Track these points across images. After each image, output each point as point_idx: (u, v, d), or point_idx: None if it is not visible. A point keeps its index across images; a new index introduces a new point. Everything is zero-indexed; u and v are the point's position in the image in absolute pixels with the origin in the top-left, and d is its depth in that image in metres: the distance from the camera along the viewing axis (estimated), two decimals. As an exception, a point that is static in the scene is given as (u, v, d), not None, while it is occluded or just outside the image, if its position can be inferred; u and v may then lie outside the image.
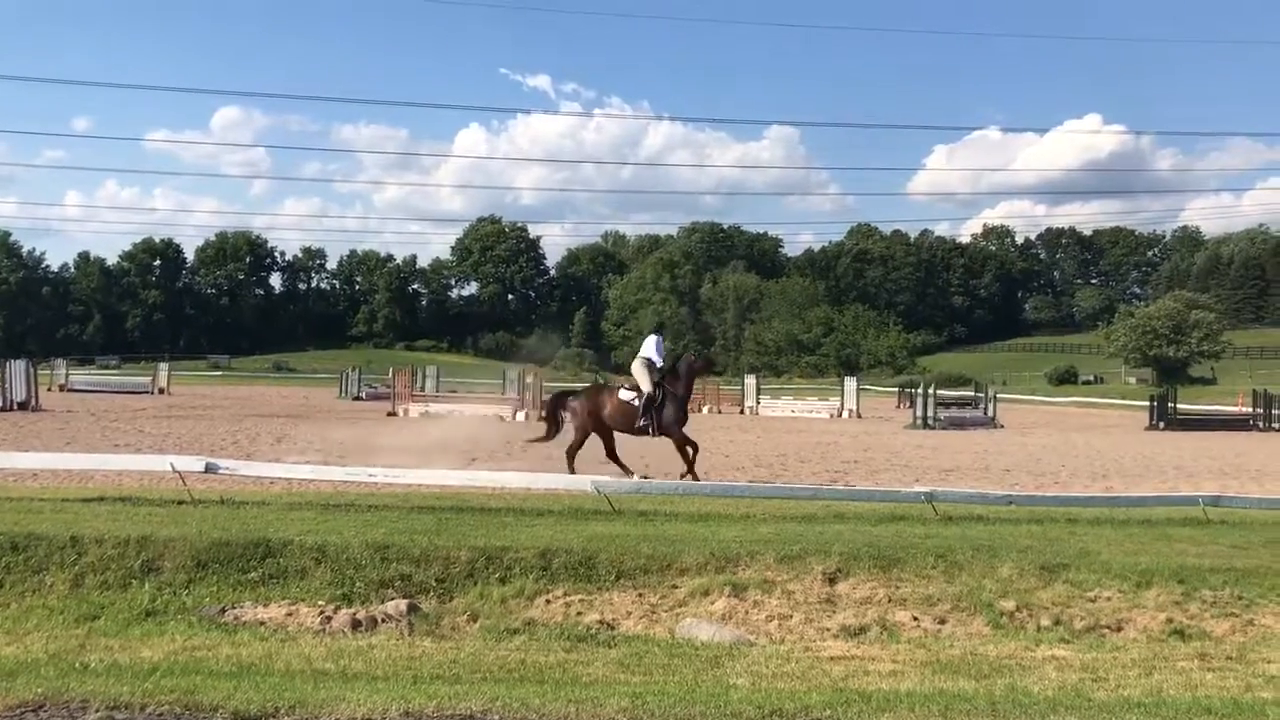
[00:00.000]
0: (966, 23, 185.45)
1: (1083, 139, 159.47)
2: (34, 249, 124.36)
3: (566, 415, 14.78)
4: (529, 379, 33.77)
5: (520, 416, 30.58)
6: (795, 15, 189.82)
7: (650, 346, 14.83)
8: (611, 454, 14.46)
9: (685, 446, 14.27)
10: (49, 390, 37.80)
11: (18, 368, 29.57)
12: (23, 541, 8.67)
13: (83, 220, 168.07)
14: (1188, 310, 78.36)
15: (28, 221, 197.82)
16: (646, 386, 14.28)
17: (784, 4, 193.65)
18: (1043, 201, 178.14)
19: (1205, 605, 8.13)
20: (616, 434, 14.50)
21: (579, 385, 19.51)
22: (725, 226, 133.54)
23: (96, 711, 4.30)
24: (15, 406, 28.30)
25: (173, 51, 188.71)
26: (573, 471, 13.60)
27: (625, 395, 14.42)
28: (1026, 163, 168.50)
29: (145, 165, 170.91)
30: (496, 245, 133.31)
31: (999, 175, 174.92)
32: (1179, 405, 38.08)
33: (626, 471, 13.89)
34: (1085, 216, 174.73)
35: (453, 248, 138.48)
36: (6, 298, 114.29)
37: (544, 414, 14.31)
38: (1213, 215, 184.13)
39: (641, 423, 14.25)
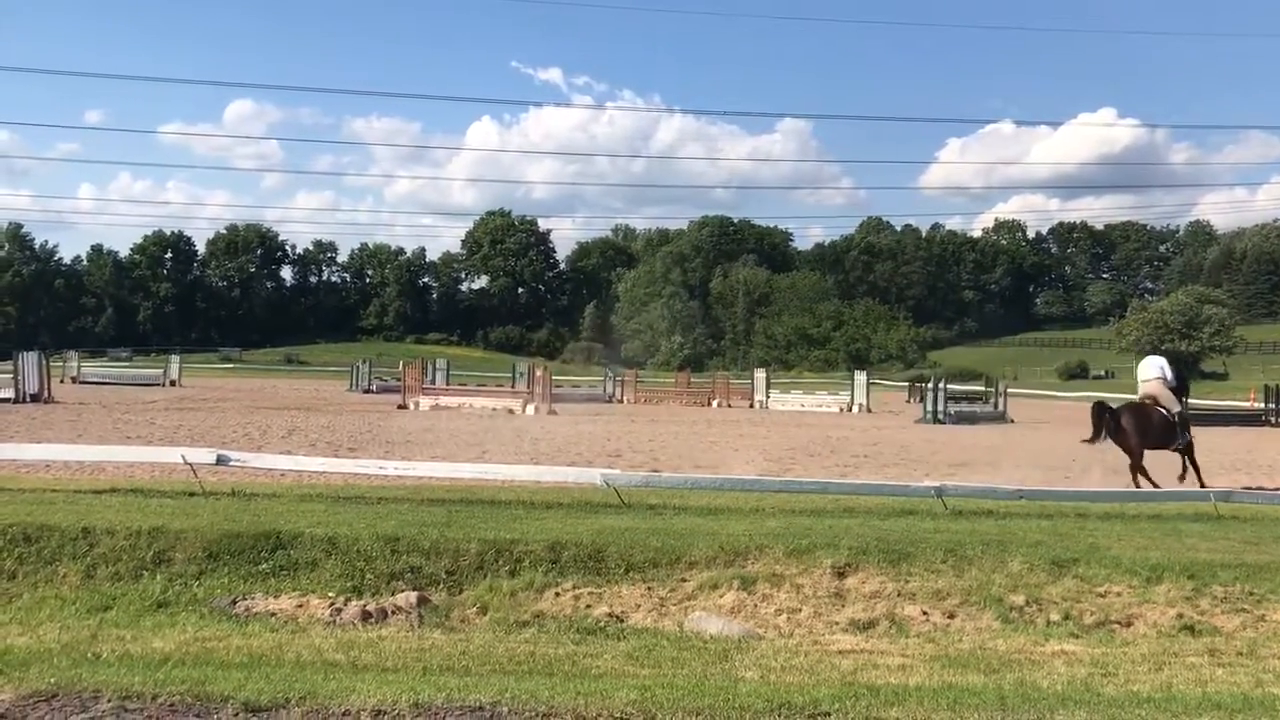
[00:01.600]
0: (980, 15, 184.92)
1: (1097, 132, 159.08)
2: (46, 241, 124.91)
3: (1111, 427, 15.11)
4: (538, 373, 33.78)
5: (530, 410, 30.60)
6: (808, 8, 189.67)
7: (1159, 368, 15.57)
8: (1140, 467, 14.73)
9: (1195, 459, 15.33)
10: (61, 382, 37.95)
11: (30, 360, 29.70)
12: (35, 532, 8.72)
13: (95, 213, 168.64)
14: (1200, 305, 78.04)
15: (41, 214, 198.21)
16: (1176, 407, 15.25)
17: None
18: (1056, 195, 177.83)
19: (1216, 601, 8.11)
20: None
21: (1118, 399, 19.72)
22: (735, 220, 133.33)
23: (108, 701, 4.33)
24: (28, 398, 28.43)
25: (186, 44, 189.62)
26: (1146, 485, 14.14)
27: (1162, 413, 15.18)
28: (1040, 156, 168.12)
29: (158, 158, 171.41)
30: (506, 239, 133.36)
31: (1012, 169, 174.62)
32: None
33: (1151, 483, 14.19)
34: (1098, 211, 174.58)
35: (463, 241, 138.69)
36: (19, 290, 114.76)
37: (1092, 418, 15.24)
38: (1227, 210, 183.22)
39: (1179, 442, 15.13)
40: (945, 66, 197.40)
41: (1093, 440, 15.15)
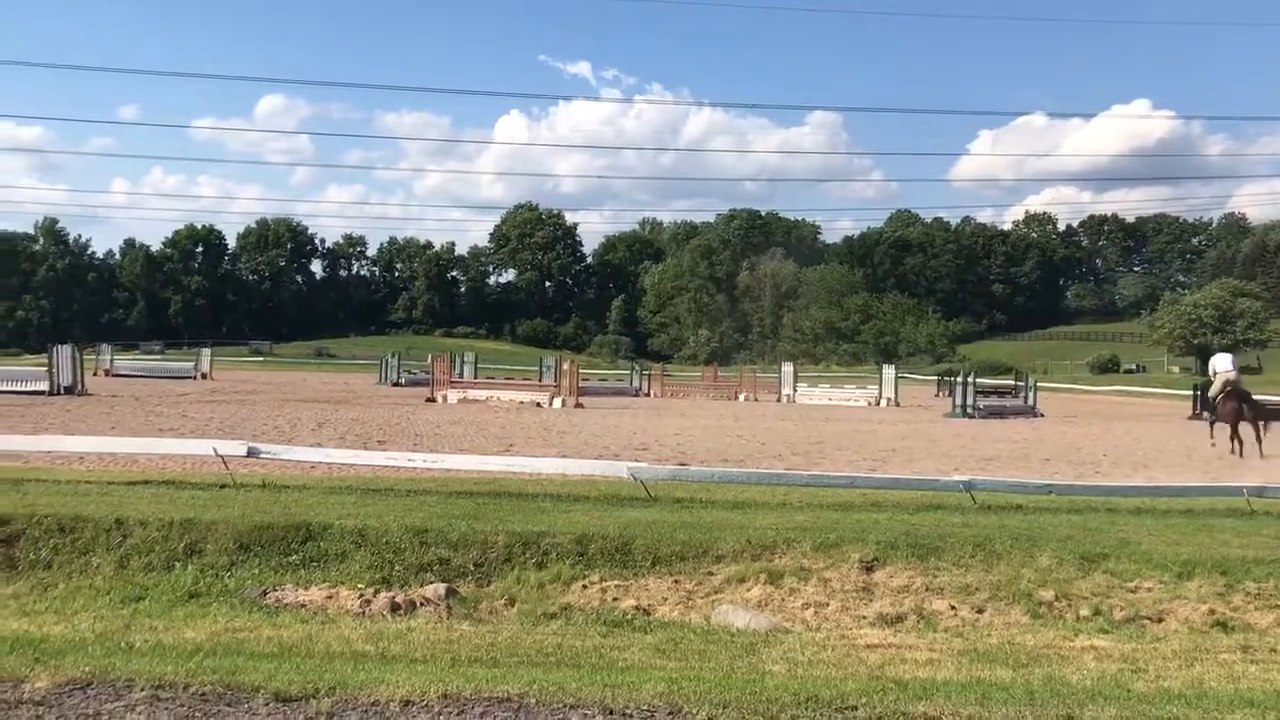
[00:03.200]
0: (1013, 6, 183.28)
1: (1130, 124, 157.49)
2: (80, 236, 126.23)
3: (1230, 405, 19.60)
4: (565, 366, 33.85)
5: (557, 403, 30.67)
6: (837, 0, 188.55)
7: (1231, 360, 20.71)
8: (1237, 435, 19.24)
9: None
10: (94, 375, 38.34)
11: (64, 353, 30.02)
12: (70, 524, 8.83)
13: (129, 207, 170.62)
14: (1233, 298, 77.13)
15: (76, 209, 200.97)
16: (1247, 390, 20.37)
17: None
18: (1088, 188, 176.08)
19: (1249, 597, 8.03)
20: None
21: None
22: (763, 213, 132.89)
23: (142, 690, 4.38)
24: (62, 391, 28.75)
25: (218, 40, 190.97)
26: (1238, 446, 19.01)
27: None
28: (1072, 148, 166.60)
29: (190, 153, 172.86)
30: (534, 232, 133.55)
31: (1045, 161, 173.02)
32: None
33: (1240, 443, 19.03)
34: (1132, 203, 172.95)
35: (491, 235, 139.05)
36: (53, 284, 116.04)
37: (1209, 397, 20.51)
38: (1263, 201, 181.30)
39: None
40: (977, 58, 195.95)
41: (1197, 415, 22.15)
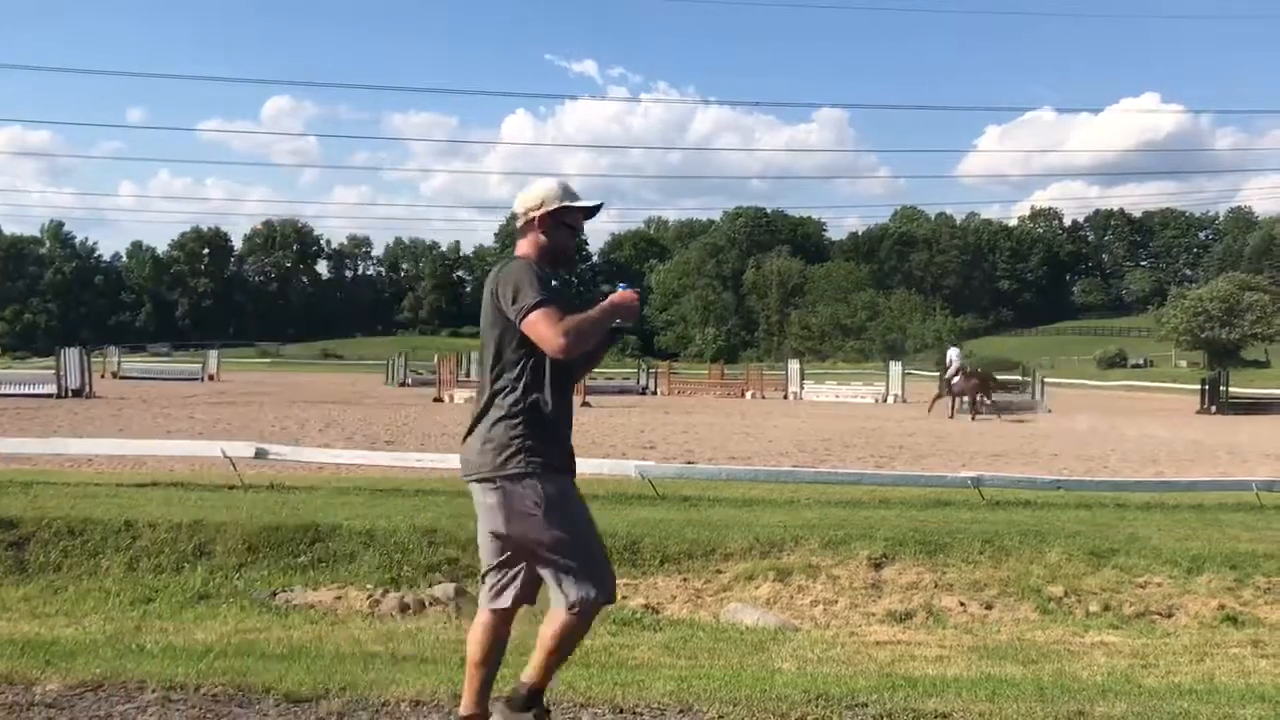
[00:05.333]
0: (1021, 1, 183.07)
1: (1139, 119, 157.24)
2: (87, 239, 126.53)
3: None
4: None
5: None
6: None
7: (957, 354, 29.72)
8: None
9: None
10: (102, 377, 38.43)
11: (72, 355, 30.09)
12: (79, 526, 8.86)
13: (136, 210, 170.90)
14: (1241, 292, 76.88)
15: (84, 212, 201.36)
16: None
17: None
18: (1096, 183, 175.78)
19: (1259, 592, 8.02)
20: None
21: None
22: (769, 211, 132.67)
23: (153, 692, 4.39)
24: (70, 393, 28.80)
25: (225, 43, 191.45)
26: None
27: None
28: (1080, 143, 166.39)
29: (197, 155, 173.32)
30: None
31: (1052, 156, 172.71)
32: (1231, 389, 37.42)
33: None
34: (1140, 198, 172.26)
35: (496, 234, 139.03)
36: (61, 287, 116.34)
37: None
38: (1272, 195, 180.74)
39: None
40: (985, 53, 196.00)
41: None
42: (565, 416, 3.46)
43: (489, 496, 3.38)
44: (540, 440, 3.33)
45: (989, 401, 28.40)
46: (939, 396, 29.79)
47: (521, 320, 3.22)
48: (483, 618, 3.55)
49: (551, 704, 3.93)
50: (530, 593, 3.53)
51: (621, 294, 3.40)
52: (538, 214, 3.47)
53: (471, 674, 3.54)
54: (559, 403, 3.39)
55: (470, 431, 3.43)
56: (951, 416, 27.43)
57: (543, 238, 3.47)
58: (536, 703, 3.49)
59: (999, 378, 32.59)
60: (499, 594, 3.51)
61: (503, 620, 3.56)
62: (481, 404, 3.41)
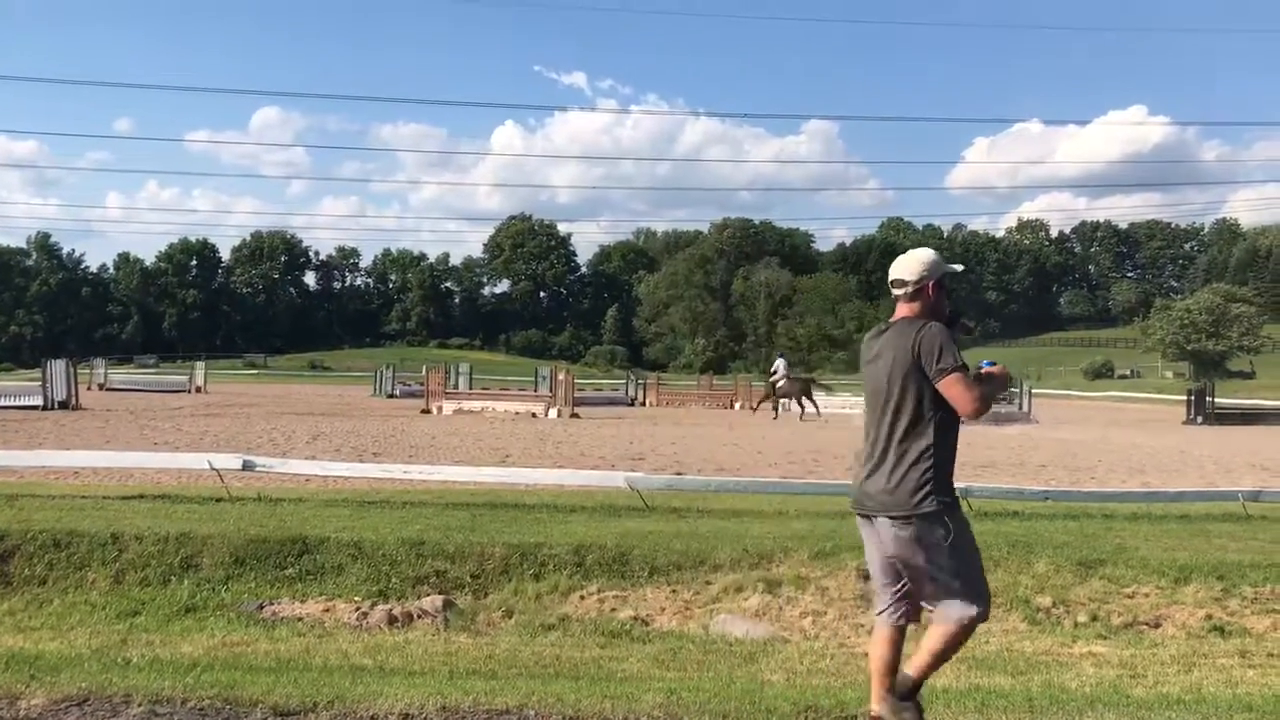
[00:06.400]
0: (1008, 14, 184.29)
1: (1126, 130, 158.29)
2: (73, 250, 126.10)
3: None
4: (560, 376, 33.83)
5: (552, 413, 30.66)
6: (833, 9, 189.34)
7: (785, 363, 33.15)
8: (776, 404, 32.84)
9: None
10: (88, 389, 38.26)
11: (58, 367, 29.92)
12: (65, 539, 8.80)
13: (123, 221, 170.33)
14: (1227, 304, 77.31)
15: (71, 223, 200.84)
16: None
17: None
18: (1083, 195, 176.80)
19: (1245, 602, 8.04)
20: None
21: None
22: (756, 222, 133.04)
23: (139, 706, 4.36)
24: (56, 405, 28.65)
25: (213, 53, 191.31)
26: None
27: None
28: (1068, 155, 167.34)
29: (185, 166, 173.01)
30: (527, 243, 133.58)
31: (1040, 168, 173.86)
32: (1217, 399, 37.61)
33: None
34: (1127, 209, 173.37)
35: (484, 245, 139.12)
36: (47, 299, 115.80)
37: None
38: (1258, 206, 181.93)
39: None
40: (974, 66, 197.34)
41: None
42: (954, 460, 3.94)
43: (903, 530, 3.79)
44: (944, 480, 3.81)
45: (811, 404, 32.74)
46: (765, 398, 34.05)
47: (940, 380, 3.72)
48: (885, 632, 4.03)
49: (539, 716, 3.92)
50: (920, 612, 4.02)
51: (999, 369, 3.96)
52: (930, 281, 3.93)
53: (879, 680, 4.01)
54: (955, 449, 3.89)
55: (873, 472, 3.88)
56: (775, 417, 31.80)
57: (932, 302, 3.94)
58: (916, 693, 3.99)
59: (822, 383, 39.15)
60: (898, 613, 3.99)
61: (900, 634, 4.03)
62: (881, 447, 3.86)
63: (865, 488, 3.92)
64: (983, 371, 3.91)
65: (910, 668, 3.95)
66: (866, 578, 8.40)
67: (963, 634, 3.89)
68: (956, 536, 3.79)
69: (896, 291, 4.00)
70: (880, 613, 4.06)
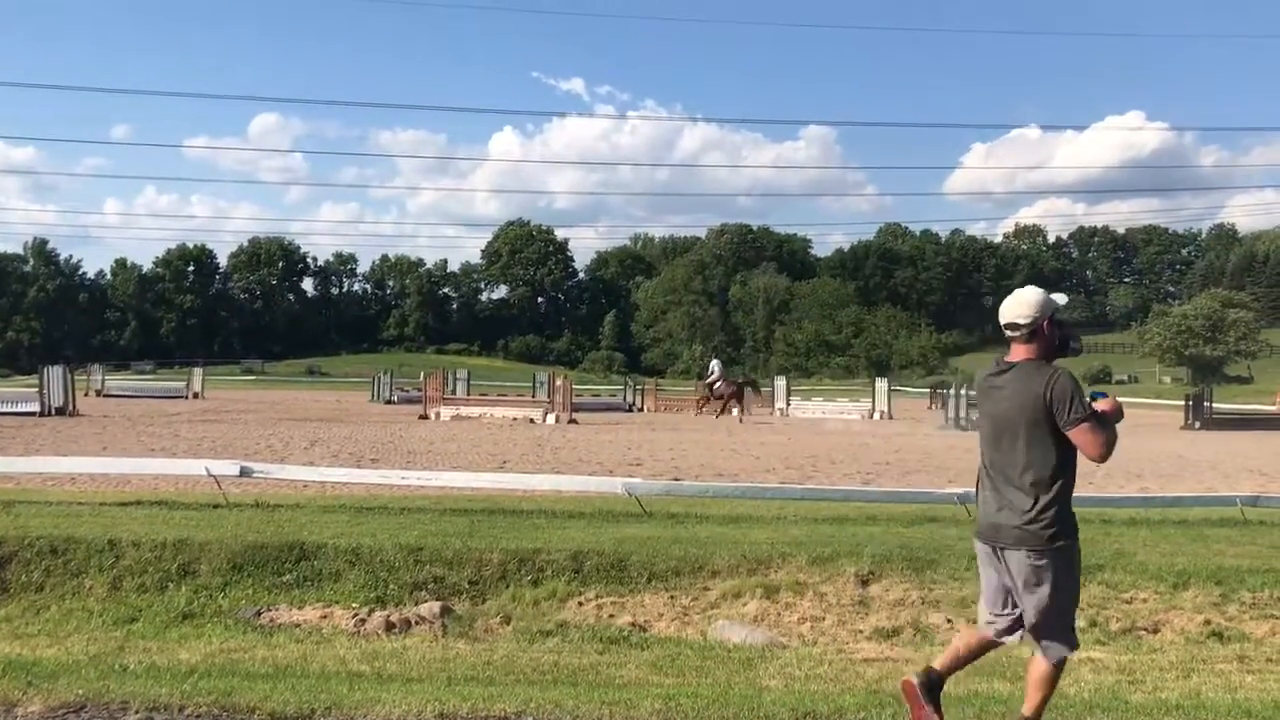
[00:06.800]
0: (1006, 20, 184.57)
1: (1124, 136, 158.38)
2: (70, 256, 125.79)
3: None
4: (558, 382, 33.83)
5: (550, 419, 30.65)
6: (830, 15, 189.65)
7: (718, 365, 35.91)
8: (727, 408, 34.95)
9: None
10: (86, 395, 38.21)
11: (55, 373, 29.90)
12: (62, 545, 8.78)
13: (121, 227, 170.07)
14: (1224, 309, 77.39)
15: (68, 230, 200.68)
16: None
17: (818, 5, 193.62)
18: (1081, 200, 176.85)
19: (1244, 607, 8.03)
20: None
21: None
22: (754, 228, 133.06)
23: (136, 713, 4.36)
24: (53, 412, 28.63)
25: (212, 59, 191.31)
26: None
27: None
28: (1065, 160, 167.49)
29: (184, 172, 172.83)
30: (525, 248, 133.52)
31: (1038, 174, 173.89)
32: (1215, 404, 37.63)
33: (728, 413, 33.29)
34: (1125, 214, 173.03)
35: (482, 251, 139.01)
36: (44, 305, 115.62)
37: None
38: (1256, 212, 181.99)
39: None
40: (970, 72, 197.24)
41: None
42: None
43: (1035, 561, 4.01)
44: (1071, 517, 4.07)
45: (745, 407, 35.91)
46: (704, 400, 37.09)
47: (1071, 428, 3.95)
48: (978, 637, 4.34)
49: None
50: (1017, 633, 4.25)
51: (1110, 403, 4.12)
52: (1044, 321, 4.16)
53: (947, 659, 4.36)
54: (1074, 485, 4.12)
55: (1003, 506, 4.09)
56: (717, 417, 34.10)
57: (1048, 338, 4.17)
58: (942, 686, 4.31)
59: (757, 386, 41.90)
60: (999, 631, 4.25)
61: (990, 646, 4.34)
62: (1009, 483, 4.08)
63: (996, 520, 4.13)
64: (1097, 407, 4.04)
65: (1025, 707, 4.24)
66: (865, 583, 8.42)
67: (1058, 673, 4.20)
68: (1077, 571, 4.14)
69: (1011, 334, 4.21)
70: (982, 624, 4.34)
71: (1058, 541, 3.99)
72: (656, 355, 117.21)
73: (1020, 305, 4.18)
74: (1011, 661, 6.65)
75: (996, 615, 4.23)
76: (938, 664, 4.32)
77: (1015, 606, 4.15)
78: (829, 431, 29.39)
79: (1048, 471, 4.00)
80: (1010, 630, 4.21)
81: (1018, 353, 4.20)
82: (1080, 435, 3.95)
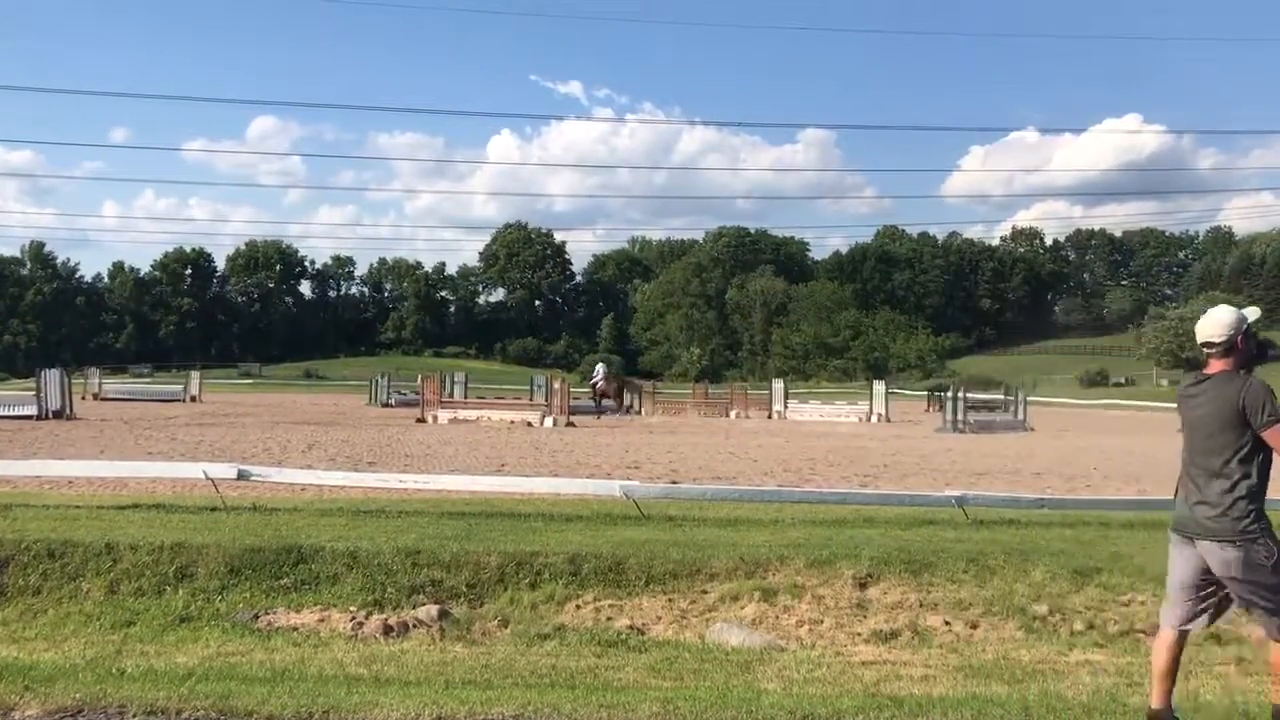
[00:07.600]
0: (1004, 23, 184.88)
1: (1121, 139, 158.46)
2: (68, 259, 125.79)
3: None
4: (556, 385, 33.82)
5: (548, 422, 30.65)
6: (829, 19, 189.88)
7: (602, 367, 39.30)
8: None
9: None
10: (83, 399, 38.19)
11: (52, 377, 29.90)
12: (59, 548, 8.77)
13: (119, 230, 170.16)
14: (1221, 312, 77.37)
15: (66, 233, 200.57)
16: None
17: (817, 7, 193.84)
18: (1079, 203, 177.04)
19: (1242, 610, 8.02)
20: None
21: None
22: (752, 231, 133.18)
23: (134, 716, 4.35)
24: (50, 415, 28.62)
25: (209, 62, 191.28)
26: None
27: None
28: (1063, 163, 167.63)
29: (182, 175, 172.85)
30: (523, 251, 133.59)
31: (1036, 176, 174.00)
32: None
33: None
34: (1122, 217, 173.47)
35: (480, 254, 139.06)
36: (41, 308, 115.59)
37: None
38: (1253, 214, 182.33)
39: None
40: (969, 74, 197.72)
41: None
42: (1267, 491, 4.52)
43: (1228, 552, 4.42)
44: (1263, 510, 4.45)
45: (624, 402, 39.64)
46: (601, 397, 39.64)
47: (1266, 430, 4.33)
48: (1169, 637, 4.70)
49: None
50: (1211, 617, 4.68)
51: None
52: (1239, 336, 4.50)
53: (1160, 681, 4.68)
54: (1268, 481, 4.48)
55: (1200, 501, 4.51)
56: (599, 417, 36.36)
57: (1243, 351, 4.51)
58: None
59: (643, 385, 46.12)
60: (1191, 620, 4.65)
61: (1183, 640, 4.70)
62: (1206, 480, 4.50)
63: (1194, 514, 4.54)
64: None
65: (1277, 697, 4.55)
66: (863, 586, 8.42)
67: None
68: (1278, 560, 4.40)
69: (1208, 351, 4.56)
70: (1169, 624, 4.69)
71: (1249, 534, 4.35)
72: (654, 358, 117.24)
73: (1215, 325, 4.53)
74: (1010, 664, 6.66)
75: (1183, 602, 4.60)
76: (1155, 702, 4.65)
77: (1204, 598, 4.57)
78: (820, 435, 29.39)
79: (1240, 469, 4.39)
80: (1192, 618, 4.60)
81: (1214, 366, 4.57)
82: (1274, 436, 4.33)
